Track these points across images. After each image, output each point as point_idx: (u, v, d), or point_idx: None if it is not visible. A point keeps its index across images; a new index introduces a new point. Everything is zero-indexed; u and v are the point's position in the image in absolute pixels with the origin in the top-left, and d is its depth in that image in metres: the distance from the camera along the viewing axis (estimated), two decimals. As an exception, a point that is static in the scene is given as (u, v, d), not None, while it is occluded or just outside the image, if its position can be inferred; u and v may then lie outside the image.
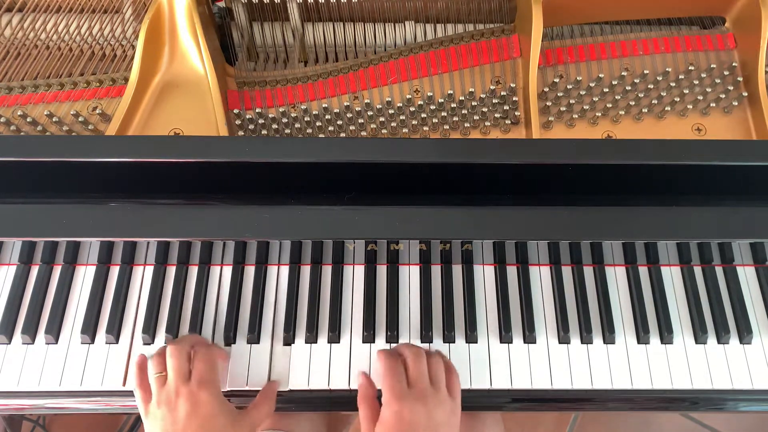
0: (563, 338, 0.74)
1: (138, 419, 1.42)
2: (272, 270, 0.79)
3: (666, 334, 0.74)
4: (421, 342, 0.75)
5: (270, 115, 0.80)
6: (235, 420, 0.65)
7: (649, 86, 0.81)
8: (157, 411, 0.64)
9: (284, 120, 0.80)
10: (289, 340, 0.74)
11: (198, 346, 0.70)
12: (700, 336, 0.74)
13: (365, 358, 0.74)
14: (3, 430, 1.23)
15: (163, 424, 0.63)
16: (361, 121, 0.79)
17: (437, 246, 0.78)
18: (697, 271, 0.79)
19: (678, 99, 0.80)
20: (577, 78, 0.80)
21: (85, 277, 0.78)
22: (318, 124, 0.79)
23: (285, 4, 0.86)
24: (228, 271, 0.79)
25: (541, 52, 0.78)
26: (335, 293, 0.77)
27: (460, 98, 0.80)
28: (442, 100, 0.80)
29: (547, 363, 0.73)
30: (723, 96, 0.81)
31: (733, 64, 0.82)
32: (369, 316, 0.75)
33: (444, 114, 0.79)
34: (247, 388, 0.72)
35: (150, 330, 0.75)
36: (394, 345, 0.74)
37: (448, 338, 0.74)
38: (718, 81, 0.82)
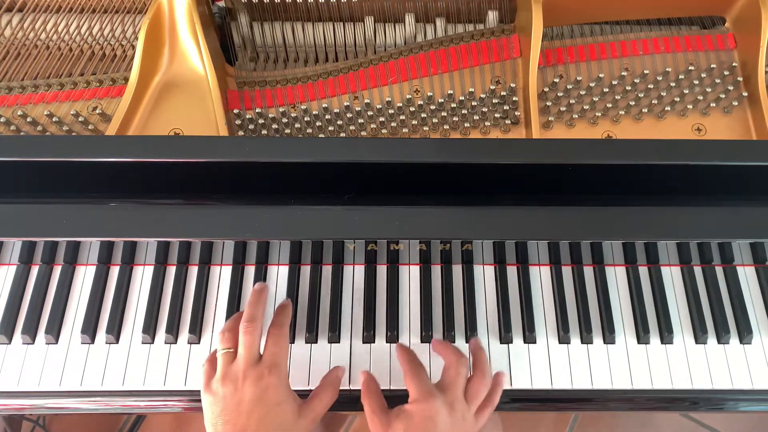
0: (563, 338, 0.74)
1: (138, 419, 1.43)
2: (272, 270, 0.79)
3: (666, 334, 0.74)
4: (421, 342, 0.75)
5: (270, 115, 0.80)
6: (299, 409, 0.63)
7: (649, 86, 0.81)
8: (221, 389, 0.61)
9: (284, 120, 0.80)
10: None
11: (272, 325, 0.67)
12: (700, 336, 0.74)
13: (365, 358, 0.74)
14: (3, 430, 1.23)
15: (225, 404, 0.61)
16: (361, 121, 0.79)
17: (437, 246, 0.78)
18: (697, 271, 0.79)
19: (678, 99, 0.80)
20: (577, 78, 0.80)
21: (85, 277, 0.78)
22: (318, 124, 0.78)
23: (285, 4, 0.86)
24: (228, 271, 0.79)
25: (541, 52, 0.78)
26: (335, 293, 0.77)
27: (460, 98, 0.80)
28: (442, 100, 0.79)
29: (547, 363, 0.73)
30: (723, 96, 0.81)
31: (733, 64, 0.82)
32: (369, 316, 0.75)
33: (444, 114, 0.79)
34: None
35: (150, 330, 0.75)
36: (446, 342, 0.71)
37: (448, 338, 0.74)
38: (718, 81, 0.82)
